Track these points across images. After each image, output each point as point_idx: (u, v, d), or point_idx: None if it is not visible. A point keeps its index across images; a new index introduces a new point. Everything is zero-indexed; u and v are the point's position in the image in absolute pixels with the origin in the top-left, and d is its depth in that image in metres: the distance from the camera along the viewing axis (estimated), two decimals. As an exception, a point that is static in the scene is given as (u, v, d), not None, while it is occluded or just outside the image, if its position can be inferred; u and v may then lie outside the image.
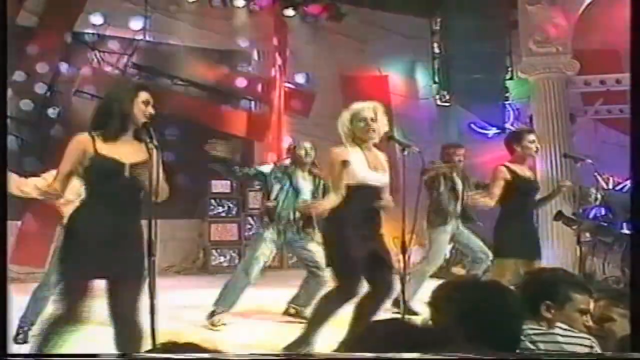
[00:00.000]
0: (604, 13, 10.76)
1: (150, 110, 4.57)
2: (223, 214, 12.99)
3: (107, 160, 4.45)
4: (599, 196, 9.36)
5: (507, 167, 6.94)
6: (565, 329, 3.11)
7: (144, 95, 4.61)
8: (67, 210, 5.43)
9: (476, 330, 2.29)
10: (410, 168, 5.53)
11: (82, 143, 4.51)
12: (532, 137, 7.07)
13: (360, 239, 5.50)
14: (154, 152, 4.39)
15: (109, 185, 4.48)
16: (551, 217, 9.06)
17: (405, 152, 5.46)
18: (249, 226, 13.02)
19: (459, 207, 8.30)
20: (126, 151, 4.53)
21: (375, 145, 5.72)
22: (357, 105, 5.67)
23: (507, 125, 12.70)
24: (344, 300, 5.54)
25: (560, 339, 3.04)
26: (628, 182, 11.85)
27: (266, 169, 8.18)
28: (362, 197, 5.55)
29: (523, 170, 7.02)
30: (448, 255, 8.38)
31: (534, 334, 3.04)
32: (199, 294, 9.17)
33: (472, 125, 13.13)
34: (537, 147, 7.11)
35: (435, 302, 2.49)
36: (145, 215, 4.33)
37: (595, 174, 11.96)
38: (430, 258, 8.39)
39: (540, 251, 7.30)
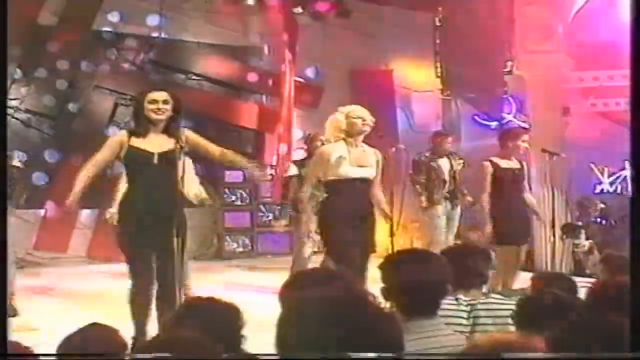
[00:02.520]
0: (599, 12, 11.19)
1: (160, 105, 5.29)
2: (236, 203, 13.51)
3: (138, 151, 5.30)
4: (602, 206, 9.72)
5: (491, 161, 7.54)
6: (500, 297, 3.69)
7: (150, 96, 5.41)
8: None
9: (410, 290, 2.95)
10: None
11: (119, 137, 5.46)
12: (525, 137, 7.69)
13: (351, 228, 6.08)
14: (182, 139, 5.32)
15: (142, 171, 5.33)
16: (544, 205, 9.56)
17: (393, 149, 6.12)
18: (261, 214, 13.58)
19: (447, 189, 8.81)
20: (155, 143, 5.34)
21: (365, 141, 6.31)
22: (348, 107, 6.29)
23: (509, 117, 13.08)
24: None
25: (495, 306, 3.62)
26: (622, 173, 12.30)
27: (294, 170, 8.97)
28: (349, 189, 6.13)
29: (507, 163, 7.59)
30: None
31: (475, 302, 3.63)
32: (214, 277, 9.81)
33: (476, 118, 13.49)
34: (526, 146, 7.71)
35: (382, 266, 3.14)
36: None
37: (591, 164, 12.47)
38: (429, 240, 8.93)
39: (528, 235, 7.90)
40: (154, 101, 5.36)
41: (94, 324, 2.88)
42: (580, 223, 9.33)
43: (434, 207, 8.83)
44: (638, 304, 2.49)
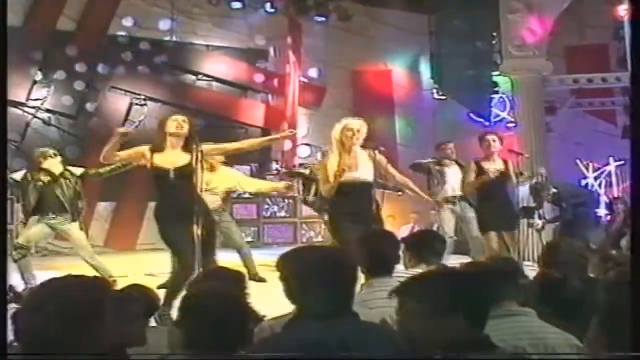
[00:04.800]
0: (581, 16, 11.92)
1: (180, 122, 6.39)
2: (244, 196, 14.20)
3: (157, 168, 6.35)
4: (554, 190, 10.30)
5: (476, 163, 8.25)
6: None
7: (172, 117, 6.54)
8: None
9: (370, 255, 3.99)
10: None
11: (142, 152, 6.44)
12: (489, 137, 8.36)
13: (352, 222, 6.90)
14: (199, 155, 6.29)
15: (160, 185, 6.38)
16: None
17: (377, 152, 6.99)
18: (267, 206, 14.37)
19: (457, 192, 8.93)
20: (172, 160, 6.32)
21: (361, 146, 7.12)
22: (346, 120, 7.11)
23: (503, 114, 13.74)
24: None
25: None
26: (606, 168, 13.01)
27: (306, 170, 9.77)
28: (345, 188, 6.96)
29: (492, 165, 8.26)
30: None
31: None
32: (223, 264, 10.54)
33: (471, 115, 14.08)
34: (498, 146, 8.33)
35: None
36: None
37: (577, 160, 13.18)
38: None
39: (515, 223, 8.54)
40: (176, 119, 6.43)
41: (135, 284, 3.79)
42: (534, 204, 10.06)
43: (442, 208, 9.04)
44: (638, 304, 2.60)
